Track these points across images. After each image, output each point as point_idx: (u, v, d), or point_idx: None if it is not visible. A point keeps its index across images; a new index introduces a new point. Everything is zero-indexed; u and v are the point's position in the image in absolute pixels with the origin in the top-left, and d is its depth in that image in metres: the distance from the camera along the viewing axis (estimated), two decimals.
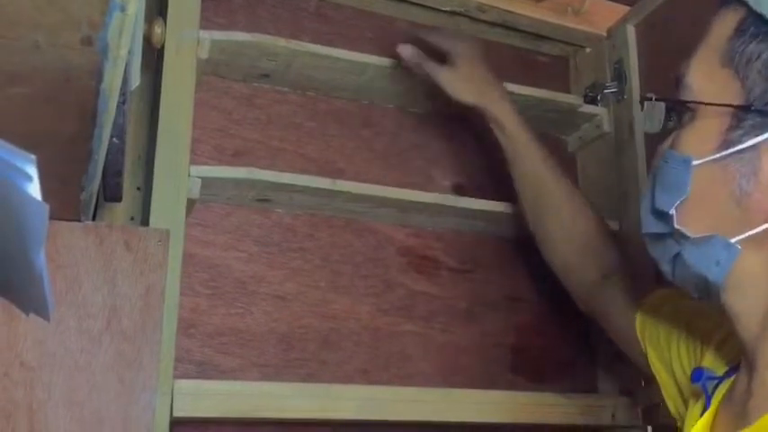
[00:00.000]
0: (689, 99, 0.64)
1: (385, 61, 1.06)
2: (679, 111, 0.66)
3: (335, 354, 1.03)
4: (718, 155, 0.61)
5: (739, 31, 0.61)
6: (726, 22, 0.63)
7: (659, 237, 0.66)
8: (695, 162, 0.62)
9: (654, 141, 0.71)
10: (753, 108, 0.59)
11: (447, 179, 1.16)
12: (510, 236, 1.15)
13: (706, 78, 0.63)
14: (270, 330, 1.00)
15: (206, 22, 0.99)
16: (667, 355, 0.82)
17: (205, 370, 0.95)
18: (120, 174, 0.78)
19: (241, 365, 0.97)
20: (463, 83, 1.00)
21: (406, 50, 1.01)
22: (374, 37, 1.15)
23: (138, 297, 0.79)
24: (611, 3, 1.23)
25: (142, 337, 0.80)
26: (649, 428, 1.06)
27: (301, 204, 1.04)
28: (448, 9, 1.15)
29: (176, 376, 0.85)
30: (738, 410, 0.63)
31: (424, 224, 1.12)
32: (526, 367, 1.14)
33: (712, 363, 0.73)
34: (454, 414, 1.00)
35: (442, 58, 1.01)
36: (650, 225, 0.66)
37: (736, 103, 0.60)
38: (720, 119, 0.61)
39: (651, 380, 0.86)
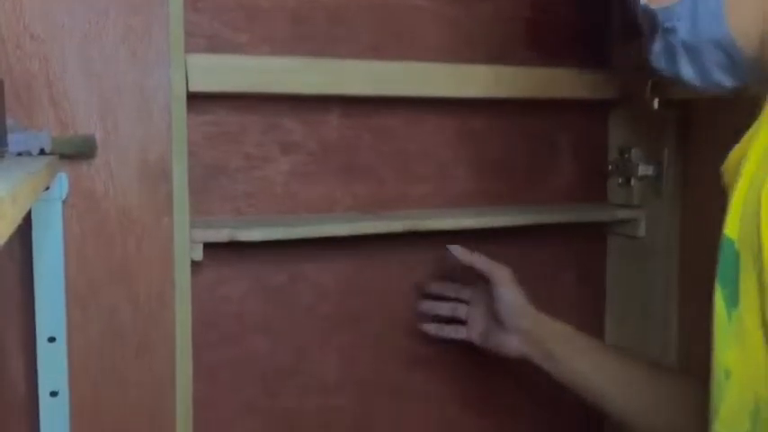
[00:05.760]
0: None
1: None
2: None
3: (345, 29, 1.02)
4: None
5: None
6: None
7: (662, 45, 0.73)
8: None
9: None
10: None
11: None
12: None
13: None
14: (278, 5, 0.97)
15: None
16: None
17: (215, 44, 0.94)
18: None
19: (250, 40, 0.96)
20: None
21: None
22: None
23: None
24: None
25: (149, 9, 0.79)
26: (656, 101, 1.07)
27: None
28: None
29: (187, 50, 0.84)
30: None
31: None
32: (540, 43, 1.12)
33: None
34: (466, 89, 1.01)
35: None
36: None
37: None
38: None
39: None
